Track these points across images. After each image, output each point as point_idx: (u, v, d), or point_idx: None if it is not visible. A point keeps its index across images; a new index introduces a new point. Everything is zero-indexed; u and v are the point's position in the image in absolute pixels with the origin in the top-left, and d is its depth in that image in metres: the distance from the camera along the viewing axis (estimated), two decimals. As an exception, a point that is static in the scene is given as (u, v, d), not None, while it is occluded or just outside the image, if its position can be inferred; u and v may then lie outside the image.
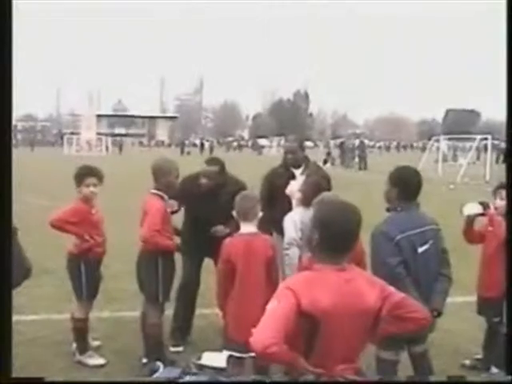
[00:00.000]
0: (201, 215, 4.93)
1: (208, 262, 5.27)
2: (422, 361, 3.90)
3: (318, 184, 4.42)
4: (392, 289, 2.46)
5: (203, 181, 4.90)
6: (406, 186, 3.75)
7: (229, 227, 4.61)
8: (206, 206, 4.86)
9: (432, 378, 3.84)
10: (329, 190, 4.93)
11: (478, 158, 36.24)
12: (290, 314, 2.21)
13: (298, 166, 5.03)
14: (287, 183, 4.50)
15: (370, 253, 3.68)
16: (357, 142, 38.30)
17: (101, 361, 4.68)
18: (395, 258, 3.53)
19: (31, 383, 2.61)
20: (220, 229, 4.79)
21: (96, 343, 4.94)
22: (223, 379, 3.81)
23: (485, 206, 4.43)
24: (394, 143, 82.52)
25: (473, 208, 4.44)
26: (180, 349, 4.96)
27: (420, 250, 3.64)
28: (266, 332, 2.15)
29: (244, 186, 5.11)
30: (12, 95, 2.65)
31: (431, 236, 3.72)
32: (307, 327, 2.26)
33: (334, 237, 2.35)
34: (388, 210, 3.84)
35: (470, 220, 4.50)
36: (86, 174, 4.67)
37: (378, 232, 3.63)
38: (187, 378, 3.64)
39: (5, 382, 2.41)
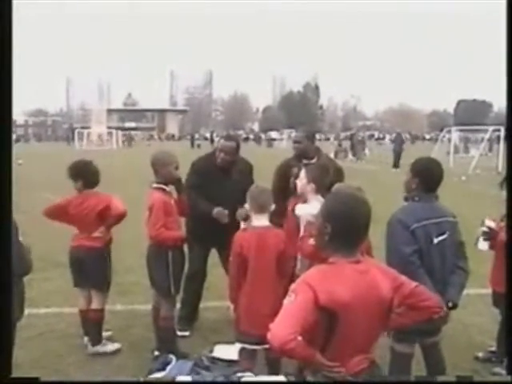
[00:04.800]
0: (214, 194, 4.93)
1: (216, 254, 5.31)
2: (433, 352, 3.88)
3: (324, 166, 4.36)
4: (404, 278, 2.45)
5: (221, 155, 5.03)
6: (427, 176, 3.74)
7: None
8: (220, 183, 4.95)
9: (444, 371, 3.82)
10: (341, 181, 4.90)
11: (491, 149, 35.90)
12: (308, 308, 2.19)
13: (310, 158, 5.00)
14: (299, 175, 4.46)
15: (385, 240, 3.67)
16: (393, 135, 35.06)
17: (116, 345, 4.79)
18: (410, 247, 3.52)
19: (30, 383, 2.63)
20: (243, 211, 4.79)
21: (107, 333, 4.98)
22: (234, 371, 3.81)
23: (491, 232, 4.39)
24: (406, 135, 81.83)
25: (482, 241, 4.42)
26: (186, 333, 5.08)
27: (436, 240, 3.62)
28: (284, 328, 2.13)
29: (252, 167, 5.35)
30: (12, 91, 2.64)
31: (448, 228, 3.70)
32: (325, 321, 2.24)
33: (348, 229, 2.34)
34: (406, 199, 3.83)
35: (487, 239, 4.48)
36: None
37: (394, 220, 3.63)
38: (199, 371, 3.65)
39: (5, 382, 2.42)
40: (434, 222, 3.64)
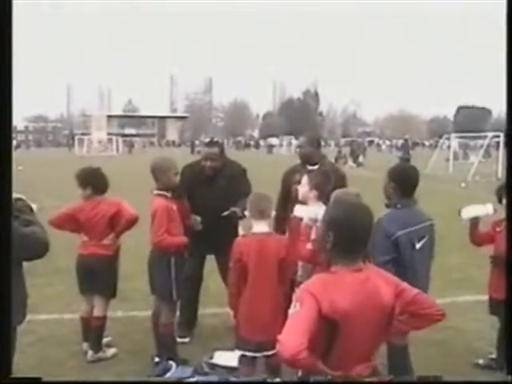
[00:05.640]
0: (202, 201, 4.95)
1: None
2: (400, 355, 3.88)
3: (326, 173, 4.37)
4: (406, 285, 2.45)
5: (207, 163, 5.06)
6: (403, 181, 3.88)
7: (238, 208, 4.77)
8: (207, 190, 4.98)
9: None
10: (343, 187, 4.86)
11: (489, 155, 35.88)
12: (313, 318, 2.19)
13: (314, 164, 4.98)
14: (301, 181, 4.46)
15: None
16: (400, 141, 34.25)
17: (112, 350, 4.81)
18: (386, 256, 3.60)
19: (30, 383, 2.63)
20: (233, 211, 4.86)
21: (106, 339, 4.97)
22: (234, 379, 3.82)
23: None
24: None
25: (470, 211, 4.43)
26: (186, 340, 5.07)
27: (418, 245, 3.75)
28: (294, 338, 2.13)
29: (245, 170, 5.33)
30: (12, 96, 2.66)
31: (427, 231, 3.85)
32: (327, 330, 2.25)
33: (350, 238, 2.34)
34: (387, 206, 3.93)
35: (474, 223, 4.51)
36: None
37: (377, 227, 3.67)
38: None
39: (5, 382, 2.42)
40: (417, 227, 3.77)
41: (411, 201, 3.88)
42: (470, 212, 4.44)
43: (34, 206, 3.24)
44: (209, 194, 4.96)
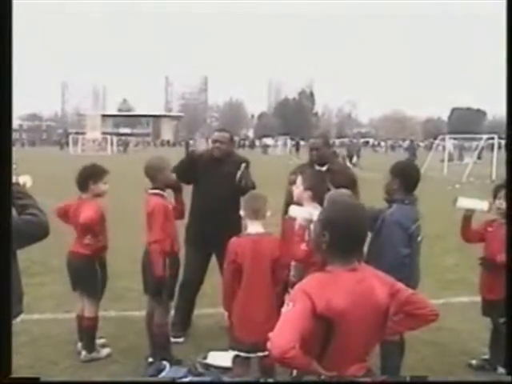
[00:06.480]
0: (208, 187, 4.96)
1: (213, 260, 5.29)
2: (392, 354, 3.91)
3: (320, 173, 4.36)
4: (401, 285, 2.45)
5: (216, 144, 5.08)
6: (407, 177, 3.98)
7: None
8: (214, 176, 4.94)
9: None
10: (354, 189, 4.63)
11: (480, 157, 35.83)
12: (306, 317, 2.19)
13: (323, 164, 4.95)
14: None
15: (376, 239, 3.76)
16: (406, 143, 34.64)
17: (107, 350, 4.79)
18: (406, 249, 3.73)
19: (29, 383, 2.61)
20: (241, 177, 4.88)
21: (101, 340, 4.94)
22: (227, 379, 3.82)
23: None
24: (401, 143, 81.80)
25: (465, 202, 4.38)
26: (180, 340, 5.04)
27: (419, 239, 3.90)
28: (284, 337, 2.13)
29: (247, 161, 5.30)
30: (12, 95, 2.65)
31: (420, 228, 3.96)
32: (322, 330, 2.25)
33: (346, 238, 2.35)
34: (389, 201, 3.97)
35: (468, 216, 4.49)
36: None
37: (392, 221, 3.79)
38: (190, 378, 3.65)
39: (5, 382, 2.41)
40: (419, 223, 3.91)
41: (414, 197, 3.99)
42: (464, 202, 4.39)
43: (29, 181, 3.23)
44: (215, 181, 4.94)
